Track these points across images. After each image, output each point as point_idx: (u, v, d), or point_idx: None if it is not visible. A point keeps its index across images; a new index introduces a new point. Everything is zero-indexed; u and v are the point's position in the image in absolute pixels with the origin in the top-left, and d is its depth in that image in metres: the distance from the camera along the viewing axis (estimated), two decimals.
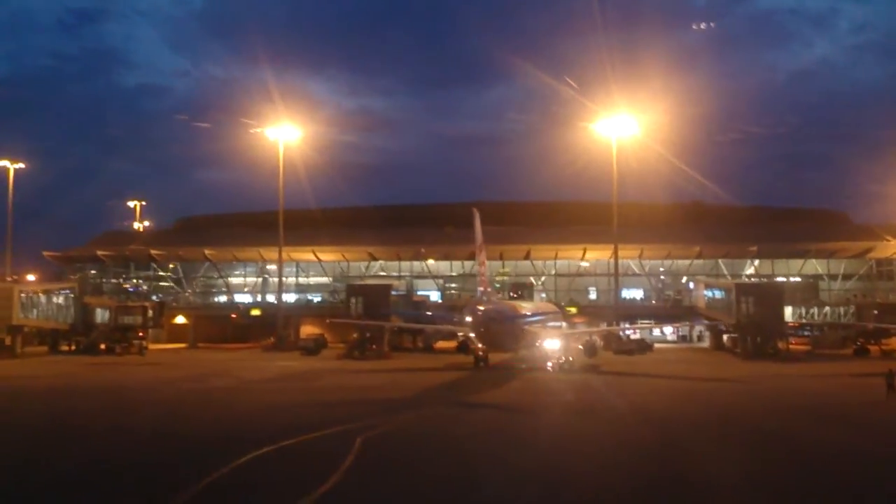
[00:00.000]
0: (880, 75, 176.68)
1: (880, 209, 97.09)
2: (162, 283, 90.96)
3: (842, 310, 70.59)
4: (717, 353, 68.67)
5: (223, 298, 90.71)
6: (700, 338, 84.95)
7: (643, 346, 68.23)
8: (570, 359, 49.82)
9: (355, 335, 65.17)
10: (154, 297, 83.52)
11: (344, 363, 58.25)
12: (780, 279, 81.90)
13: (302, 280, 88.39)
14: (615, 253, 73.66)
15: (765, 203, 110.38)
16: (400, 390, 39.22)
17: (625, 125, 69.47)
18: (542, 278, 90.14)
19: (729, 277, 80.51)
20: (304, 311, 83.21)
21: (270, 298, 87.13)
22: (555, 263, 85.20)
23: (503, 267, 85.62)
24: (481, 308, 45.99)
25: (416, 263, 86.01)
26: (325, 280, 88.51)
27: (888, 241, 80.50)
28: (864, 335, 64.27)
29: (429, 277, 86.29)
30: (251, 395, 38.85)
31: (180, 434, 26.34)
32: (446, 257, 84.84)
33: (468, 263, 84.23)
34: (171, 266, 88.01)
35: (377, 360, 59.59)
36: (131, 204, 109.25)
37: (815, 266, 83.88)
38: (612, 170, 71.94)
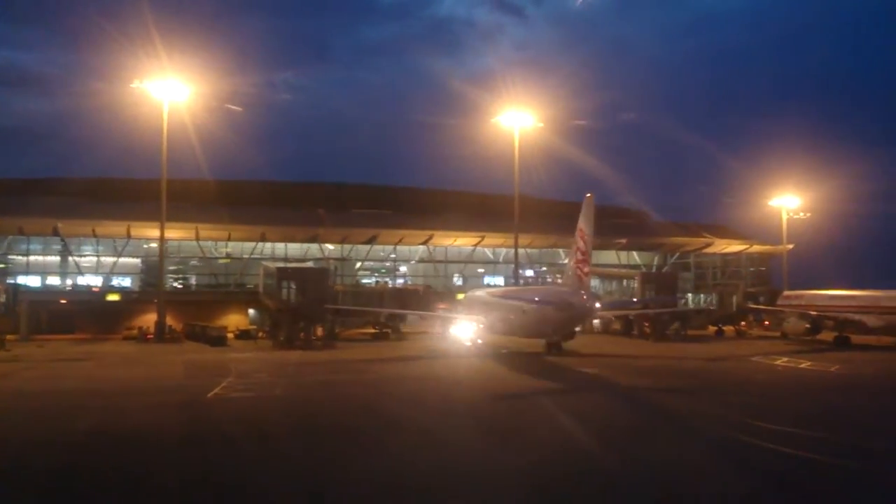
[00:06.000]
0: None
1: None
2: None
3: (702, 297, 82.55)
4: None
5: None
6: None
7: None
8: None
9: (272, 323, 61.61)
10: None
11: (299, 354, 51.77)
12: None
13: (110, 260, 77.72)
14: (515, 241, 75.76)
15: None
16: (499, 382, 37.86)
17: None
18: (404, 267, 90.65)
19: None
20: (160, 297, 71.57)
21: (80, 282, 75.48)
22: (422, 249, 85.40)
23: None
24: (578, 294, 44.56)
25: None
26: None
27: (706, 237, 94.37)
28: (724, 318, 76.14)
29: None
30: (389, 385, 36.30)
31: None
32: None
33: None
34: None
35: (322, 350, 55.13)
36: None
37: (632, 257, 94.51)
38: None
